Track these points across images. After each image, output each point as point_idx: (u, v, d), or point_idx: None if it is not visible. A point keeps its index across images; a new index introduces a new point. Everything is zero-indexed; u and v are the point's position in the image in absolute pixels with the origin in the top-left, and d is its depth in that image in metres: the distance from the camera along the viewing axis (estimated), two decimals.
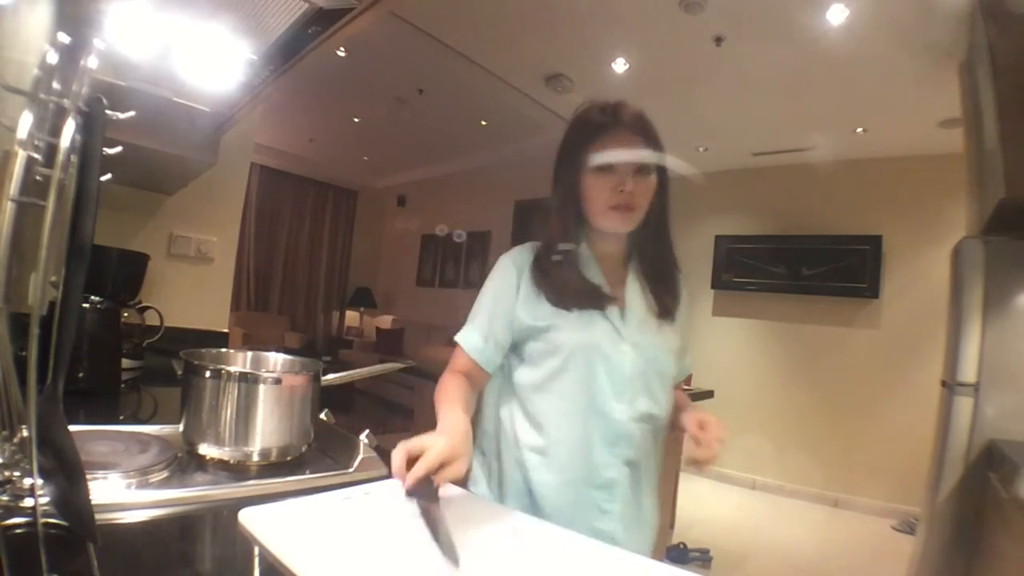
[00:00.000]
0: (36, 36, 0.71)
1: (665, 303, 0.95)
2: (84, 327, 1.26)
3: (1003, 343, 1.95)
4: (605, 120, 0.93)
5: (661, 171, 0.94)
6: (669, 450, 1.48)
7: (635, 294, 0.95)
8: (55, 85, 0.55)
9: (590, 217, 0.93)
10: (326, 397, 0.99)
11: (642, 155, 0.92)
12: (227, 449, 0.85)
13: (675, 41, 2.90)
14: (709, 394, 3.05)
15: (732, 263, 4.57)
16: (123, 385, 1.40)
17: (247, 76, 1.17)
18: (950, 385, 2.04)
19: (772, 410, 4.26)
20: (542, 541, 0.64)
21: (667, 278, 0.97)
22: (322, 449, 0.98)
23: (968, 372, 1.98)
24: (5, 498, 0.56)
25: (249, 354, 1.04)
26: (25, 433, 0.57)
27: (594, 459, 0.90)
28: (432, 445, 0.66)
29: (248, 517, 0.62)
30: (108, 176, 0.59)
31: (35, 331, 0.50)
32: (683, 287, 1.00)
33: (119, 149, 0.60)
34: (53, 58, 0.55)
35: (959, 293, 2.06)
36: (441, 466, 0.65)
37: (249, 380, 0.85)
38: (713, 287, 4.69)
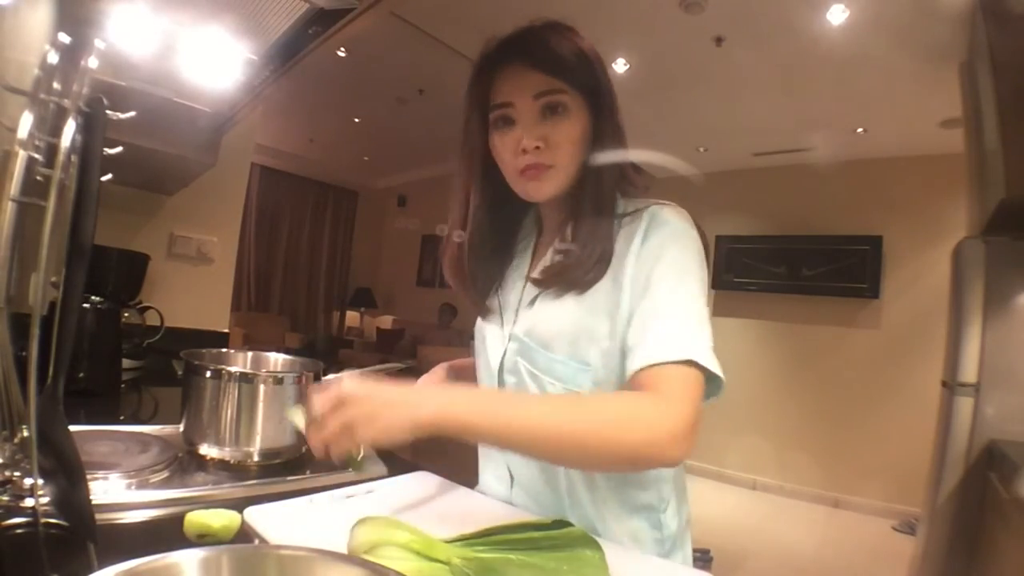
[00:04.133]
0: (36, 36, 0.71)
1: (576, 274, 0.68)
2: (84, 327, 1.26)
3: (1003, 343, 1.95)
4: (496, 56, 0.72)
5: (595, 102, 0.70)
6: None
7: (540, 267, 0.75)
8: (55, 85, 0.55)
9: (511, 185, 0.73)
10: None
11: (538, 85, 0.67)
12: (227, 449, 0.85)
13: (675, 41, 2.90)
14: None
15: (732, 263, 4.57)
16: (123, 385, 1.40)
17: (247, 76, 1.17)
18: (950, 385, 2.04)
19: (772, 410, 4.26)
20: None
21: (592, 238, 0.69)
22: None
23: (968, 372, 1.98)
24: (5, 498, 0.56)
25: (249, 354, 1.04)
26: (25, 433, 0.57)
27: (488, 469, 0.83)
28: None
29: (253, 515, 0.62)
30: (108, 176, 0.59)
31: (35, 331, 0.50)
32: (642, 230, 0.67)
33: (119, 149, 0.60)
34: (53, 58, 0.55)
35: (959, 293, 2.06)
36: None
37: (249, 380, 0.85)
38: (713, 287, 4.68)
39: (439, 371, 0.89)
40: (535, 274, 0.74)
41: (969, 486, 1.92)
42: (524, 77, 0.69)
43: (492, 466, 0.81)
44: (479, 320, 0.83)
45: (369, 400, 0.55)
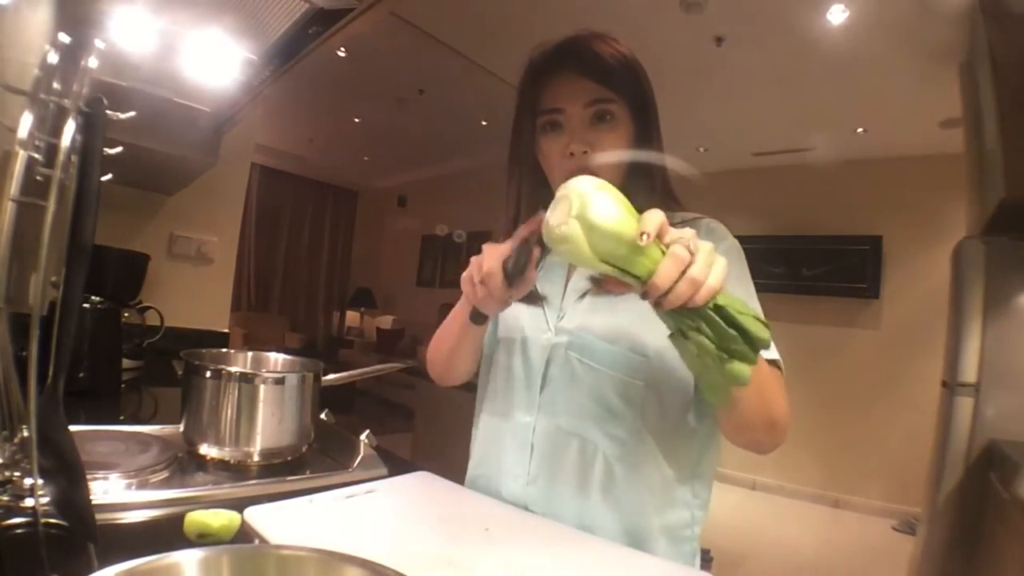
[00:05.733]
0: (36, 36, 0.71)
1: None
2: (84, 327, 1.26)
3: (1003, 343, 1.95)
4: (547, 63, 0.74)
5: (640, 115, 0.73)
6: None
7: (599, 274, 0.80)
8: (55, 85, 0.55)
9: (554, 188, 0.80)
10: (326, 397, 0.99)
11: (589, 94, 0.70)
12: (227, 449, 0.85)
13: (675, 41, 2.90)
14: None
15: None
16: (123, 385, 1.40)
17: (247, 76, 1.17)
18: (950, 385, 2.04)
19: None
20: (546, 536, 0.64)
21: None
22: (322, 449, 0.98)
23: (968, 372, 1.98)
24: (5, 498, 0.56)
25: (249, 354, 1.04)
26: (25, 433, 0.57)
27: (503, 467, 0.79)
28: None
29: (253, 515, 0.62)
30: (108, 176, 0.59)
31: (35, 331, 0.50)
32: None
33: (119, 149, 0.60)
34: (54, 58, 0.55)
35: (959, 293, 2.06)
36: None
37: (249, 380, 0.85)
38: None
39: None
40: (589, 276, 0.75)
41: (969, 486, 1.92)
42: (576, 85, 0.71)
43: (507, 463, 0.79)
44: (512, 314, 0.82)
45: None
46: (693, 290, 0.47)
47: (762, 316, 0.66)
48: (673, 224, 0.72)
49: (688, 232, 0.49)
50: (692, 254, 0.48)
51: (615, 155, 0.71)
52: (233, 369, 0.87)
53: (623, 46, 0.74)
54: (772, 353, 0.68)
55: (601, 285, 0.72)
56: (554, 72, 0.73)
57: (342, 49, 3.28)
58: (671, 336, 0.50)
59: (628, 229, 0.48)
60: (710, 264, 0.48)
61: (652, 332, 0.70)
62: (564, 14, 2.56)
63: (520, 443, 0.77)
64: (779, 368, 0.69)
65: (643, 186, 0.72)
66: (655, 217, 0.49)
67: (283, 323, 6.90)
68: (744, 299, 0.65)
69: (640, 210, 0.69)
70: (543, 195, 0.78)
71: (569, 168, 0.72)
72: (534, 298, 0.80)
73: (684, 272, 0.47)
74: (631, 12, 2.62)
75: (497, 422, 0.82)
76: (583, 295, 0.76)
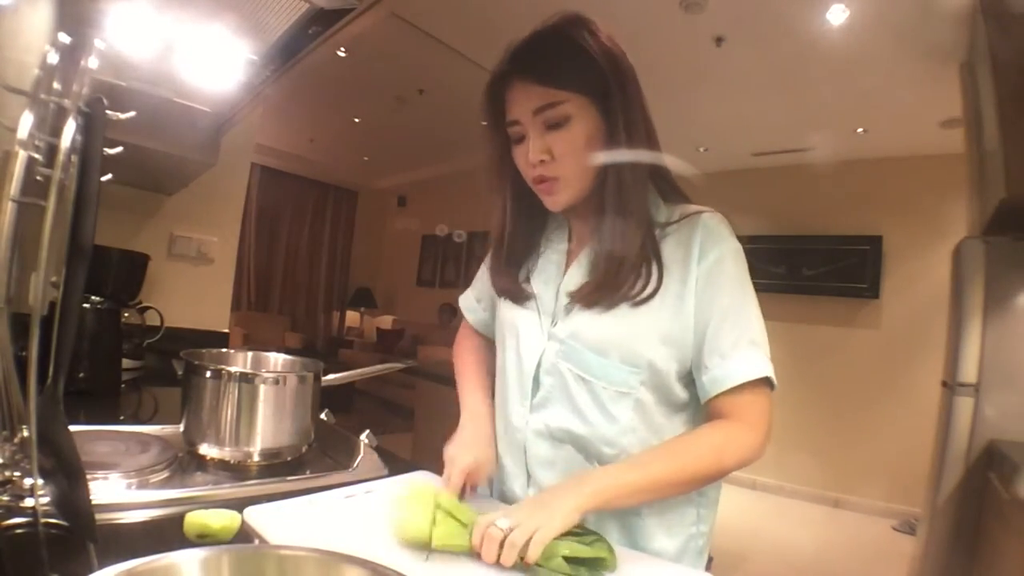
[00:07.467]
0: (36, 36, 0.71)
1: (615, 286, 0.68)
2: (84, 327, 1.26)
3: (1003, 343, 1.95)
4: (500, 72, 0.72)
5: (604, 104, 0.69)
6: None
7: (576, 275, 0.74)
8: (55, 85, 0.55)
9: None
10: (326, 397, 0.99)
11: (535, 100, 0.68)
12: (227, 449, 0.85)
13: (675, 41, 2.89)
14: None
15: None
16: (123, 385, 1.40)
17: (247, 76, 1.17)
18: (950, 385, 2.04)
19: (772, 410, 4.25)
20: None
21: (622, 248, 0.69)
22: (322, 449, 0.98)
23: (968, 372, 1.98)
24: (5, 498, 0.56)
25: (249, 354, 1.04)
26: (25, 433, 0.57)
27: (506, 467, 0.79)
28: (454, 461, 0.70)
29: (253, 515, 0.62)
30: (108, 176, 0.59)
31: (35, 331, 0.50)
32: (697, 241, 0.70)
33: (119, 149, 0.60)
34: (53, 58, 0.55)
35: (960, 293, 2.06)
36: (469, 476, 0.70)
37: (249, 380, 0.85)
38: None
39: (480, 420, 0.82)
40: (572, 287, 0.73)
41: (969, 486, 1.92)
42: (525, 92, 0.69)
43: (507, 463, 0.79)
44: (507, 312, 0.81)
45: (535, 507, 0.59)
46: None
47: (760, 326, 0.69)
48: (671, 222, 0.72)
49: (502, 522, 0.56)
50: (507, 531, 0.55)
51: (574, 159, 0.69)
52: (233, 369, 0.87)
53: (588, 33, 0.69)
54: (761, 371, 0.66)
55: (579, 298, 0.72)
56: (508, 81, 0.72)
57: (342, 49, 3.27)
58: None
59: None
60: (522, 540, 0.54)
61: (644, 343, 0.68)
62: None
63: (515, 445, 0.77)
64: (771, 384, 0.68)
65: (623, 177, 0.69)
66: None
67: (283, 323, 6.89)
68: (739, 305, 0.68)
69: (621, 204, 0.69)
70: (527, 196, 0.76)
71: (532, 176, 0.72)
72: (527, 297, 0.78)
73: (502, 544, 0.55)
74: (630, 12, 2.62)
75: (499, 421, 0.81)
76: (574, 304, 0.73)
